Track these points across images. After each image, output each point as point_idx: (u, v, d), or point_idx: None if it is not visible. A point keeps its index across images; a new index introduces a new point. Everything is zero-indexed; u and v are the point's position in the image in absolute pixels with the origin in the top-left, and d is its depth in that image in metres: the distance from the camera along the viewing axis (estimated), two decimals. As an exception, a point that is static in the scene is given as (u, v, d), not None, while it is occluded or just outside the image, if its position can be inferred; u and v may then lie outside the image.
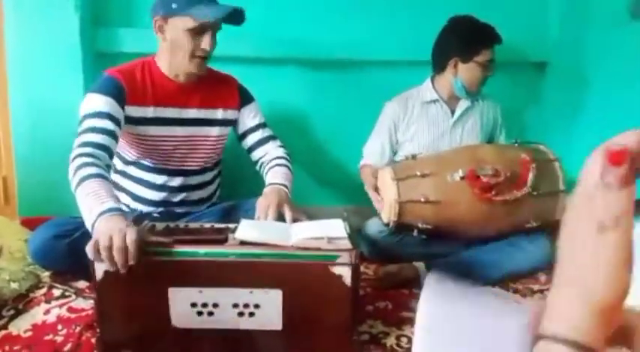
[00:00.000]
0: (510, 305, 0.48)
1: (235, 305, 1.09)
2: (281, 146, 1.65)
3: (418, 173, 1.59)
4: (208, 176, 1.66)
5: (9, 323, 1.29)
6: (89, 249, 1.03)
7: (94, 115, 1.34)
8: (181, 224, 1.29)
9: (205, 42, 1.42)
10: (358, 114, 2.05)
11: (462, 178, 1.55)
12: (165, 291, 1.08)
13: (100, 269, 1.06)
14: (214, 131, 1.59)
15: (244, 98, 1.64)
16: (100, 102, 1.36)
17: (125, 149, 1.53)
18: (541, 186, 1.58)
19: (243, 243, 1.10)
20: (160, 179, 1.56)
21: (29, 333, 1.25)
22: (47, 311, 1.36)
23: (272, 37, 1.99)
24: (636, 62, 1.82)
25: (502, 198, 1.54)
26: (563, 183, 1.63)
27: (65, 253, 1.36)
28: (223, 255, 1.08)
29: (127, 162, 1.56)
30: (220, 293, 1.08)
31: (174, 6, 1.39)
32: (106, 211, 1.10)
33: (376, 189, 1.77)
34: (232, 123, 1.63)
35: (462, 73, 1.76)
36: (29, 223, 1.80)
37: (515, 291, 1.59)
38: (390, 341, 1.25)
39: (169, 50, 1.45)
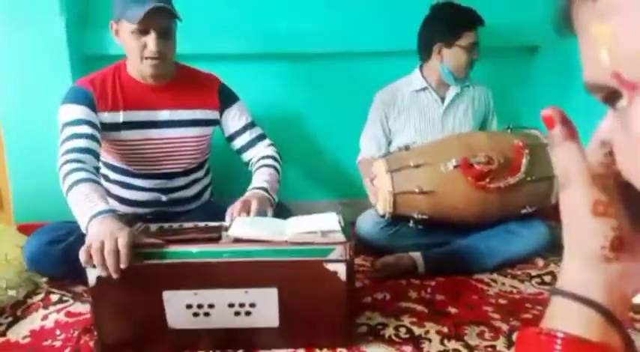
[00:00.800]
0: None
1: (231, 305, 1.09)
2: (270, 144, 1.63)
3: (412, 164, 1.59)
4: (193, 176, 1.64)
5: (7, 330, 1.29)
6: (81, 253, 1.02)
7: (73, 123, 1.36)
8: (175, 224, 1.29)
9: (150, 43, 1.39)
10: (349, 106, 2.05)
11: (456, 167, 1.54)
12: (159, 294, 1.08)
13: (92, 275, 1.05)
14: (192, 132, 1.56)
15: (227, 99, 1.61)
16: (75, 110, 1.38)
17: (105, 155, 1.52)
18: (535, 172, 1.58)
19: (236, 240, 1.10)
20: (142, 182, 1.55)
21: (28, 339, 1.25)
22: (45, 317, 1.36)
23: (259, 32, 1.98)
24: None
25: (496, 185, 1.54)
26: (557, 167, 1.62)
27: (60, 258, 1.36)
28: (217, 253, 1.08)
29: (108, 167, 1.56)
30: (215, 294, 1.08)
31: (118, 9, 1.39)
32: (98, 214, 1.10)
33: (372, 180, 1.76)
34: (213, 123, 1.61)
35: (447, 58, 1.75)
36: (25, 229, 1.79)
37: (514, 277, 1.59)
38: (389, 331, 1.25)
39: (127, 54, 1.46)
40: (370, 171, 1.76)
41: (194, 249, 1.07)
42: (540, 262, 1.67)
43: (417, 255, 1.60)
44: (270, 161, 1.56)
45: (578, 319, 0.35)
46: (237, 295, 1.08)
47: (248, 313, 1.09)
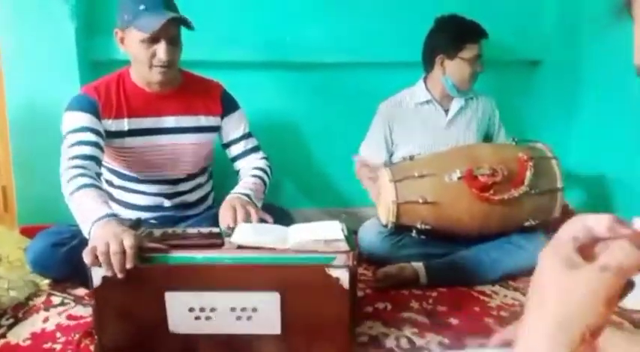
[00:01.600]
0: None
1: (233, 309, 1.09)
2: (263, 158, 1.62)
3: (416, 174, 1.59)
4: (197, 181, 1.65)
5: (8, 331, 1.29)
6: (86, 254, 1.03)
7: (76, 130, 1.37)
8: (179, 229, 1.29)
9: (160, 51, 1.38)
10: (350, 116, 2.05)
11: (460, 178, 1.55)
12: (162, 297, 1.08)
13: (97, 275, 1.06)
14: (197, 138, 1.56)
15: (228, 106, 1.61)
16: (79, 118, 1.39)
17: (109, 161, 1.53)
18: (539, 185, 1.58)
19: (240, 247, 1.10)
20: (146, 187, 1.56)
21: (28, 342, 1.25)
22: (46, 319, 1.36)
23: (261, 41, 1.99)
24: (630, 59, 1.81)
25: (500, 197, 1.54)
26: (561, 180, 1.63)
27: (63, 261, 1.36)
28: (220, 260, 1.08)
29: (112, 172, 1.57)
30: (217, 298, 1.08)
31: (126, 18, 1.38)
32: (101, 218, 1.11)
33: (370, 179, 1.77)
34: (216, 129, 1.61)
35: (450, 70, 1.76)
36: (29, 232, 1.79)
37: (516, 289, 1.59)
38: (390, 342, 1.25)
39: (133, 61, 1.46)
40: (370, 171, 1.76)
41: (198, 255, 1.08)
42: (543, 275, 1.66)
43: (419, 266, 1.60)
44: (259, 172, 1.54)
45: None
46: (239, 299, 1.08)
47: (249, 318, 1.09)
